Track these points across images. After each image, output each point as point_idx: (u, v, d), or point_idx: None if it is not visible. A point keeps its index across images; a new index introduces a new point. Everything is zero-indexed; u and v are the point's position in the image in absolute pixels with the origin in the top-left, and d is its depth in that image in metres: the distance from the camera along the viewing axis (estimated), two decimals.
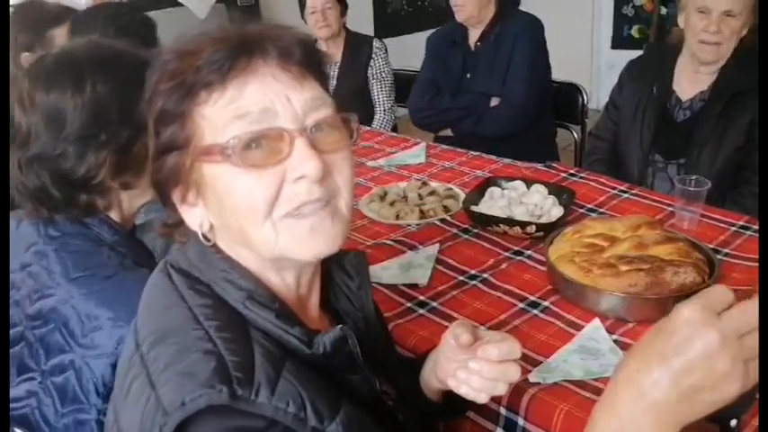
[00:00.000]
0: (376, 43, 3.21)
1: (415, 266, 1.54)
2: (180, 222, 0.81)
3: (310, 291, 0.86)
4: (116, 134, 1.08)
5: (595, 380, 1.14)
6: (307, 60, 0.77)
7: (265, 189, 0.73)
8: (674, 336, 0.61)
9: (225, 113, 0.73)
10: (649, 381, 0.62)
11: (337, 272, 0.93)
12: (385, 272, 1.53)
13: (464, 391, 0.89)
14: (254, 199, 0.73)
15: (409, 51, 3.65)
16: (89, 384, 1.04)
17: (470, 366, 0.87)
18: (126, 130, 1.08)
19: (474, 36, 2.70)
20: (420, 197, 1.88)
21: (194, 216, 0.79)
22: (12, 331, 1.13)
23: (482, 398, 0.89)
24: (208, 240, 0.79)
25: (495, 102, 2.63)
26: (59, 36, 2.06)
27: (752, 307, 0.61)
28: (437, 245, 1.63)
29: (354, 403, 0.77)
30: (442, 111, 2.72)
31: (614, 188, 1.90)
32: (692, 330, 0.60)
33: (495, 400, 1.13)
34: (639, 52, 2.43)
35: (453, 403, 1.02)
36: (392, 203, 1.84)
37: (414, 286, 1.47)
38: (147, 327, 0.77)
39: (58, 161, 1.07)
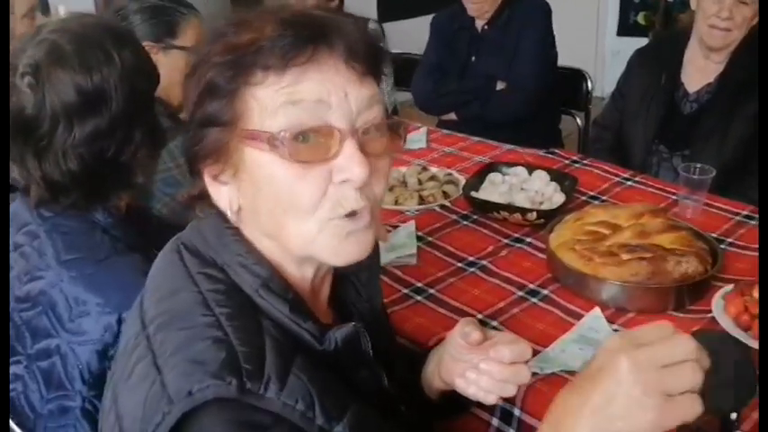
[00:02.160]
0: (372, 25, 3.16)
1: (400, 246, 1.53)
2: (204, 195, 0.77)
3: (323, 282, 0.84)
4: (150, 108, 1.06)
5: None
6: (371, 58, 0.74)
7: (310, 186, 0.70)
8: (591, 365, 0.63)
9: (277, 96, 0.69)
10: (570, 421, 0.62)
11: None
12: None
13: (472, 391, 0.88)
14: (296, 194, 0.70)
15: (411, 35, 3.60)
16: (74, 371, 1.02)
17: (481, 368, 0.85)
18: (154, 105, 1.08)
19: (478, 20, 2.66)
20: (420, 182, 1.85)
21: (224, 194, 0.75)
22: None
23: (491, 399, 0.87)
24: (233, 220, 0.76)
25: (500, 86, 2.59)
26: None
27: (679, 340, 0.62)
28: (413, 222, 1.63)
29: (362, 399, 0.75)
30: (447, 93, 2.67)
31: (618, 175, 1.88)
32: (605, 358, 0.62)
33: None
34: (645, 40, 2.40)
35: (454, 403, 1.00)
36: (391, 188, 1.81)
37: (410, 273, 1.44)
38: (155, 308, 0.74)
39: (106, 142, 1.05)
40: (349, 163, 0.70)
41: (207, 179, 0.76)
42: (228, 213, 0.76)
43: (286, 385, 0.65)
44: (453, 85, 2.68)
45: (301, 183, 0.70)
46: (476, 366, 0.86)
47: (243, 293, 0.73)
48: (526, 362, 0.85)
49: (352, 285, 0.90)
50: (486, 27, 2.62)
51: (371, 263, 0.89)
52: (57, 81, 1.03)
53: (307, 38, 0.70)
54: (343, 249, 0.73)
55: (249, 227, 0.77)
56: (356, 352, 0.76)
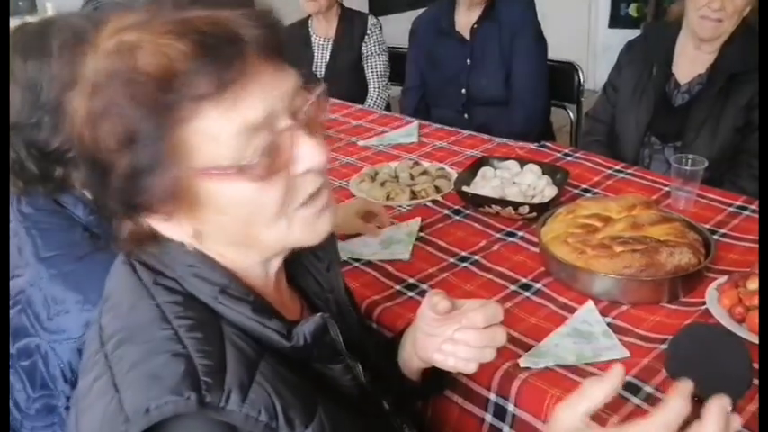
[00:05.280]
0: (371, 20, 3.15)
1: (396, 242, 1.52)
2: (153, 233, 0.71)
3: (280, 273, 0.83)
4: None
5: (587, 364, 1.11)
6: (282, 45, 0.71)
7: (276, 193, 0.69)
8: None
9: (227, 124, 0.64)
10: None
11: (305, 253, 0.89)
12: (366, 248, 1.50)
13: (452, 363, 0.87)
14: (265, 205, 0.69)
15: (404, 29, 3.59)
16: (56, 370, 1.01)
17: (456, 337, 0.85)
18: None
19: (463, 20, 2.58)
20: (411, 177, 1.84)
21: (174, 228, 0.71)
22: None
23: (471, 367, 0.87)
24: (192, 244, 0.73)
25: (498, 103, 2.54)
26: None
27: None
28: (419, 218, 1.62)
29: (335, 395, 0.75)
30: (438, 121, 2.49)
31: (610, 168, 1.87)
32: None
33: (485, 385, 1.10)
34: (637, 32, 2.39)
35: (436, 381, 1.00)
36: (383, 184, 1.80)
37: (402, 269, 1.43)
38: (112, 324, 0.72)
39: (33, 131, 1.03)
40: (308, 153, 0.69)
41: (151, 220, 0.70)
42: (187, 241, 0.72)
43: (248, 396, 0.64)
44: (443, 110, 2.60)
45: (267, 193, 0.68)
46: (451, 338, 0.86)
47: (201, 303, 0.71)
48: (501, 323, 0.84)
49: (312, 276, 0.90)
50: (475, 26, 2.54)
51: (328, 251, 0.89)
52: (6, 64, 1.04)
53: (226, 50, 0.64)
54: (318, 228, 0.74)
55: (209, 243, 0.73)
56: (326, 344, 0.75)
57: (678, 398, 0.63)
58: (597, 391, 0.68)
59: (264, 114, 0.66)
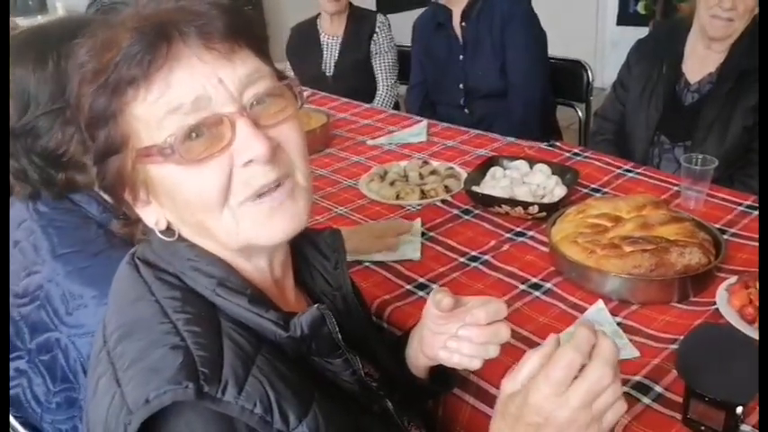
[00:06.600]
0: (379, 18, 3.16)
1: (405, 243, 1.53)
2: (139, 219, 0.77)
3: (285, 272, 0.84)
4: None
5: None
6: (233, 31, 0.70)
7: (215, 179, 0.69)
8: (536, 417, 0.68)
9: (156, 109, 0.68)
10: None
11: (312, 252, 0.90)
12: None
13: (456, 360, 0.88)
14: (205, 192, 0.70)
15: (410, 27, 3.59)
16: (76, 364, 1.02)
17: (460, 334, 0.86)
18: None
19: (456, 15, 2.58)
20: (421, 177, 1.85)
21: (149, 213, 0.75)
22: None
23: (475, 364, 0.87)
24: (171, 235, 0.76)
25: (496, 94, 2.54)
26: None
27: (593, 370, 0.67)
28: (419, 219, 1.62)
29: (333, 391, 0.76)
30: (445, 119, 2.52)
31: (619, 167, 1.87)
32: (547, 412, 0.67)
33: (496, 385, 1.11)
34: (645, 29, 2.38)
35: (443, 379, 1.01)
36: (392, 183, 1.81)
37: (413, 268, 1.44)
38: (114, 321, 0.74)
39: (29, 137, 1.05)
40: (247, 143, 0.68)
41: (131, 203, 0.75)
42: (156, 231, 0.75)
43: (244, 388, 0.65)
44: (444, 105, 2.63)
45: (205, 179, 0.69)
46: (455, 335, 0.86)
47: (200, 297, 0.73)
48: (504, 318, 0.85)
49: (321, 275, 0.91)
50: (463, 24, 2.55)
51: (336, 250, 0.90)
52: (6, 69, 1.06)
53: (156, 36, 0.67)
54: (273, 227, 0.73)
55: (188, 234, 0.76)
56: (324, 337, 0.76)
57: (607, 339, 0.68)
58: (533, 360, 0.71)
59: (193, 98, 0.67)
